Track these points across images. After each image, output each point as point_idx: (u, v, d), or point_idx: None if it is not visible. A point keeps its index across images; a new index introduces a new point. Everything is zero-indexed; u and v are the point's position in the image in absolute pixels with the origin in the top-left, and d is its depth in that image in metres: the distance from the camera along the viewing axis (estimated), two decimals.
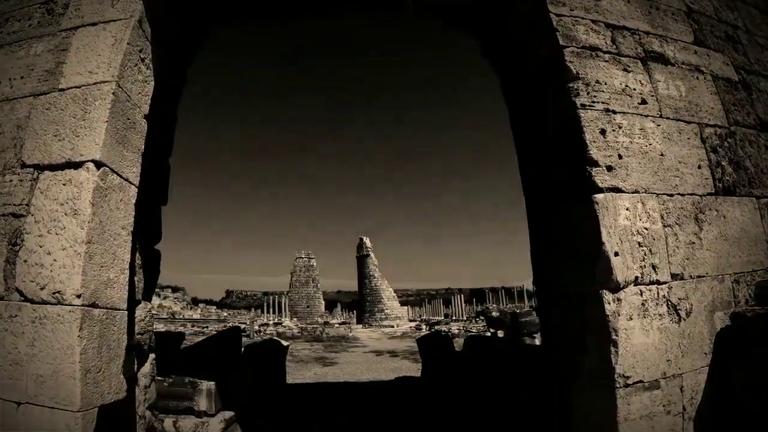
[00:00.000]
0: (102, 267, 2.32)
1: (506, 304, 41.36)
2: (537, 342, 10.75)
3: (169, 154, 4.51)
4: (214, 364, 5.35)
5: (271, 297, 46.23)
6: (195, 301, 53.43)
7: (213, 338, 5.68)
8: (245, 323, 32.02)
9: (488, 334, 13.87)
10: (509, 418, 4.56)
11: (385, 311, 41.46)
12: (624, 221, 2.48)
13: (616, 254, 2.41)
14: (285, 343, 7.39)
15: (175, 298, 46.44)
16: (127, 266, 2.54)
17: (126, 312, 2.49)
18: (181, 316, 37.26)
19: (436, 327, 28.97)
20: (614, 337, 2.30)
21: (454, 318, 41.02)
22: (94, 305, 2.23)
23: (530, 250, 3.96)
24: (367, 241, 44.24)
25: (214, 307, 54.61)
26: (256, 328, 27.87)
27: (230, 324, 32.45)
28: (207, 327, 30.18)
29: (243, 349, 6.27)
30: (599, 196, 2.49)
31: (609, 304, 2.35)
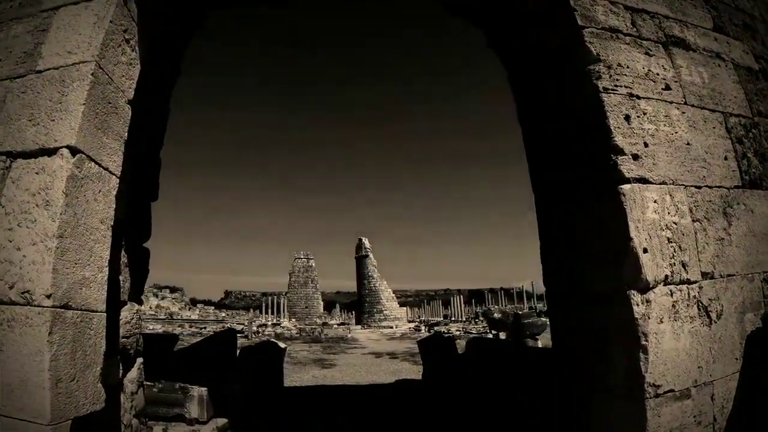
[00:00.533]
0: (76, 264, 2.09)
1: (506, 305, 41.13)
2: (539, 344, 10.55)
3: (160, 149, 4.30)
4: (209, 367, 5.13)
5: (269, 298, 45.98)
6: (193, 302, 53.14)
7: (208, 340, 5.45)
8: (243, 324, 31.73)
9: (489, 335, 13.65)
10: (516, 424, 4.34)
11: (384, 312, 41.22)
12: (652, 215, 2.26)
13: (645, 251, 2.19)
14: (282, 345, 7.16)
15: (173, 299, 46.15)
16: (106, 264, 2.31)
17: (104, 314, 2.26)
18: (179, 317, 37.01)
19: (435, 328, 28.72)
20: (644, 342, 2.07)
21: (453, 319, 40.79)
22: (66, 306, 2.00)
23: (540, 250, 3.74)
24: (366, 241, 44.00)
25: (212, 307, 54.34)
26: (254, 329, 27.58)
27: (228, 325, 32.21)
28: (205, 328, 29.89)
29: (239, 351, 6.05)
30: (626, 187, 2.27)
31: (638, 305, 2.13)
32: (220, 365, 5.29)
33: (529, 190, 3.80)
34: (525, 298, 46.22)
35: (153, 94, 4.10)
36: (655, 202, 2.30)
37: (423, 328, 30.46)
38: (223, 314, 43.93)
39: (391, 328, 34.51)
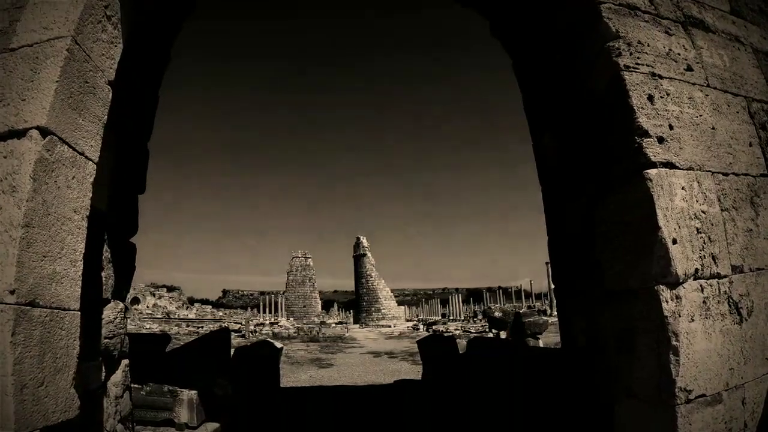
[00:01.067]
0: (45, 257, 1.88)
1: (504, 304, 41.04)
2: (540, 343, 10.38)
3: (149, 138, 4.09)
4: (202, 369, 4.93)
5: (267, 296, 45.79)
6: (191, 301, 52.88)
7: (201, 340, 5.24)
8: (240, 323, 31.49)
9: (490, 335, 13.47)
10: (522, 429, 4.15)
11: (382, 311, 41.04)
12: (681, 202, 2.06)
13: (675, 242, 1.99)
14: (279, 345, 6.96)
15: (170, 298, 45.86)
16: (80, 257, 2.10)
17: (77, 313, 2.06)
18: (176, 316, 36.80)
19: (433, 327, 28.58)
20: (674, 342, 1.87)
21: (451, 318, 40.70)
22: (33, 304, 1.80)
23: (548, 245, 3.56)
24: (363, 240, 43.80)
25: (210, 306, 54.03)
26: (252, 328, 27.37)
27: (225, 324, 32.02)
28: (202, 327, 29.68)
29: (234, 351, 5.84)
30: (652, 172, 2.06)
31: (667, 302, 1.93)
32: (214, 366, 5.09)
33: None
34: (523, 297, 46.24)
35: (141, 79, 3.90)
36: (683, 188, 2.10)
37: (421, 327, 30.33)
38: (221, 313, 43.69)
39: (390, 327, 34.37)
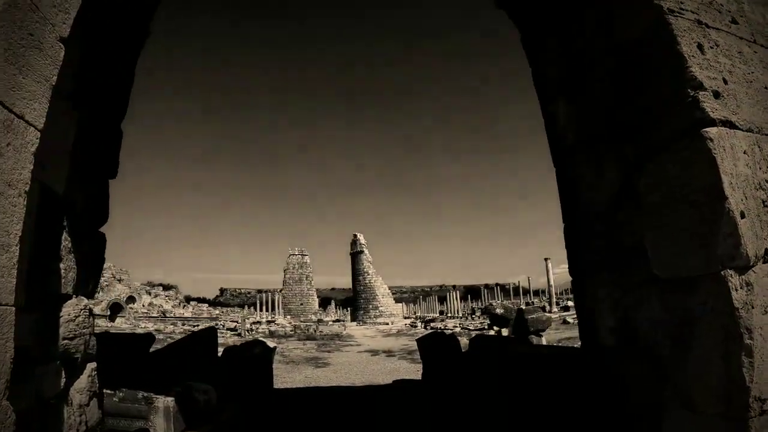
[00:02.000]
0: None
1: (502, 301, 40.78)
2: (543, 341, 10.04)
3: (122, 118, 3.72)
4: (185, 371, 4.56)
5: (264, 294, 45.29)
6: (188, 299, 52.41)
7: (186, 340, 4.88)
8: (237, 321, 31.10)
9: (491, 332, 13.11)
10: None
11: (380, 308, 40.70)
12: (744, 169, 1.71)
13: (743, 215, 1.62)
14: (272, 344, 6.60)
15: (166, 296, 45.42)
16: (16, 241, 1.74)
17: (11, 308, 1.69)
18: (171, 315, 36.36)
19: (431, 324, 28.27)
20: (747, 341, 1.51)
21: (449, 315, 40.40)
22: None
23: (564, 231, 3.21)
24: (360, 237, 43.40)
25: (206, 305, 53.56)
26: (248, 326, 26.98)
27: (220, 322, 31.62)
28: (198, 325, 29.27)
29: (223, 351, 5.48)
30: (712, 131, 1.70)
31: (736, 290, 1.56)
32: (199, 369, 4.73)
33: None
34: (521, 294, 45.98)
35: (114, 53, 3.53)
36: (744, 153, 1.75)
37: (419, 324, 30.02)
38: (217, 312, 43.25)
39: (387, 324, 34.03)
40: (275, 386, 7.02)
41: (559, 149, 3.22)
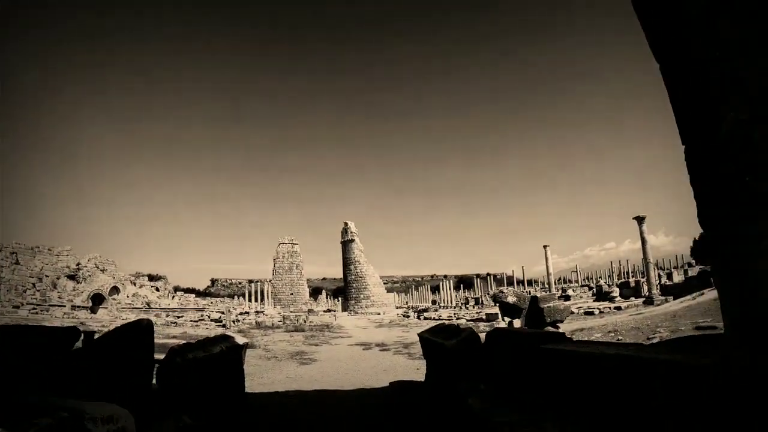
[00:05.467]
0: None
1: (495, 290, 39.92)
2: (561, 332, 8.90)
3: None
4: (97, 382, 3.31)
5: (254, 284, 43.98)
6: (176, 290, 51.03)
7: (107, 337, 3.59)
8: (222, 312, 29.82)
9: (502, 324, 11.95)
10: None
11: (371, 298, 39.59)
12: None
13: None
14: (241, 341, 5.33)
15: (152, 287, 43.93)
16: None
17: None
18: (156, 306, 34.96)
19: (424, 314, 27.21)
20: None
21: (442, 305, 39.48)
22: None
23: (687, 158, 2.01)
24: (351, 225, 42.14)
25: (193, 295, 52.28)
26: (234, 317, 25.72)
27: (207, 313, 30.30)
28: (182, 316, 27.97)
29: (168, 352, 4.21)
30: None
31: None
32: (127, 373, 3.47)
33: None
34: (515, 283, 45.24)
35: None
36: None
37: (412, 314, 28.97)
38: (204, 302, 41.94)
39: (379, 314, 32.95)
40: (248, 389, 5.78)
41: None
